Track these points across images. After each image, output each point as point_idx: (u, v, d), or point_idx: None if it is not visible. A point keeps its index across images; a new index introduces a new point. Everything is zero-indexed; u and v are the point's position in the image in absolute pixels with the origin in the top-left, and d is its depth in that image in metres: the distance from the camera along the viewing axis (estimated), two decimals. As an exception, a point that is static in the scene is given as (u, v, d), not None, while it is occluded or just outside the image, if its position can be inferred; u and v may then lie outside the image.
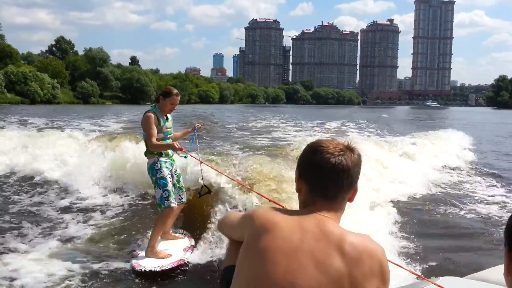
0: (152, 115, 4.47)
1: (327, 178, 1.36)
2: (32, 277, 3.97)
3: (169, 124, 4.67)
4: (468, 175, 10.06)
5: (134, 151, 7.51)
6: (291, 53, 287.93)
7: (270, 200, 3.12)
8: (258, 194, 4.41)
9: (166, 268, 4.21)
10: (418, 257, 4.53)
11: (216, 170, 5.26)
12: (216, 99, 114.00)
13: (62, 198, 7.05)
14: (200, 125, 4.97)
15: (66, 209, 6.48)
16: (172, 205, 4.47)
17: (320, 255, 1.29)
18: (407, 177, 8.46)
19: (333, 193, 1.37)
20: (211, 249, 4.55)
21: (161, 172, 4.47)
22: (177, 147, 4.41)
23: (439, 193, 8.03)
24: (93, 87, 77.39)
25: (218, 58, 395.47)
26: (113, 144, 9.10)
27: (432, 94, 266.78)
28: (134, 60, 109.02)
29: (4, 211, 6.31)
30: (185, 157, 4.78)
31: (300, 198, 1.44)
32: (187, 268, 4.32)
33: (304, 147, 1.48)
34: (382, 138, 13.46)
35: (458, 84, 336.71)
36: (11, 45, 73.32)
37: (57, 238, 5.18)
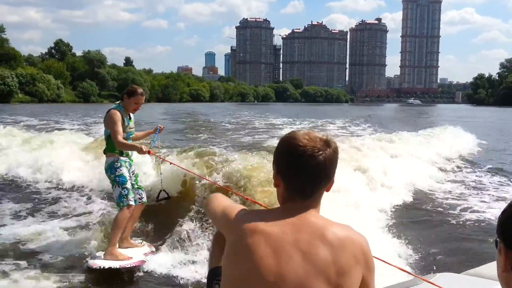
0: (118, 112, 4.36)
1: (305, 179, 1.36)
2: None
3: (132, 124, 4.57)
4: (463, 171, 10.08)
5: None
6: (281, 51, 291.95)
7: (246, 198, 3.14)
8: (231, 191, 4.24)
9: (127, 266, 4.13)
10: (413, 255, 4.49)
11: (181, 167, 5.17)
12: (206, 98, 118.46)
13: (26, 199, 7.03)
14: (162, 126, 4.94)
15: (23, 210, 6.36)
16: (131, 203, 4.37)
17: (305, 246, 1.30)
18: (400, 173, 8.40)
19: (310, 192, 1.38)
20: (172, 254, 4.47)
21: (120, 170, 4.38)
22: (144, 150, 4.30)
23: (433, 190, 8.03)
24: (92, 87, 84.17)
25: (210, 56, 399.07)
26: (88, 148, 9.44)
27: (420, 91, 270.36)
28: (128, 61, 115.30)
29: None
30: (150, 148, 4.65)
31: (279, 193, 1.45)
32: (147, 270, 4.20)
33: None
34: (376, 136, 13.65)
35: (448, 81, 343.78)
36: (14, 48, 79.09)
37: (14, 237, 5.10)
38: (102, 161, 4.93)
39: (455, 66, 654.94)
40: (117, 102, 4.54)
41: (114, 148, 4.40)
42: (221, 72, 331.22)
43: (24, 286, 3.86)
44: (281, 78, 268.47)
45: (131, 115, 4.58)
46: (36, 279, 3.96)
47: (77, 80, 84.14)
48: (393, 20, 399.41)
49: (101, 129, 5.96)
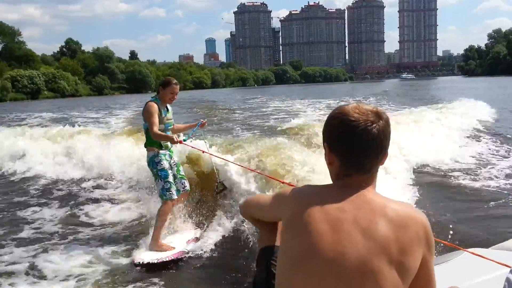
0: (154, 104, 4.48)
1: (360, 153, 1.32)
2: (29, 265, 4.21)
3: (170, 115, 4.70)
4: (489, 144, 9.92)
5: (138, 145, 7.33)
6: (280, 34, 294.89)
7: (283, 183, 3.13)
8: (271, 177, 4.28)
9: (165, 260, 4.26)
10: (441, 230, 4.23)
11: (222, 159, 5.17)
12: (208, 84, 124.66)
13: (67, 193, 7.30)
14: (204, 121, 4.99)
15: (70, 204, 6.62)
16: (174, 196, 4.55)
17: (365, 223, 1.27)
18: (428, 147, 8.42)
19: (368, 166, 1.35)
20: (213, 241, 4.56)
21: (162, 164, 4.54)
22: (176, 140, 4.45)
23: (462, 163, 7.90)
24: (104, 81, 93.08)
25: (210, 43, 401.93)
26: (120, 138, 9.29)
27: (420, 65, 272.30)
28: (133, 54, 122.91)
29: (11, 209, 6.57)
30: (185, 140, 4.68)
31: (333, 171, 1.40)
32: (187, 259, 4.34)
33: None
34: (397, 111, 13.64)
35: (450, 53, 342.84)
36: (31, 49, 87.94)
37: (61, 233, 5.31)
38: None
39: (457, 37, 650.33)
40: (154, 95, 4.65)
41: (153, 142, 4.55)
42: (222, 58, 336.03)
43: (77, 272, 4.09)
44: (281, 61, 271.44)
45: (169, 106, 4.73)
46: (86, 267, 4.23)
47: (89, 75, 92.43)
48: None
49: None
